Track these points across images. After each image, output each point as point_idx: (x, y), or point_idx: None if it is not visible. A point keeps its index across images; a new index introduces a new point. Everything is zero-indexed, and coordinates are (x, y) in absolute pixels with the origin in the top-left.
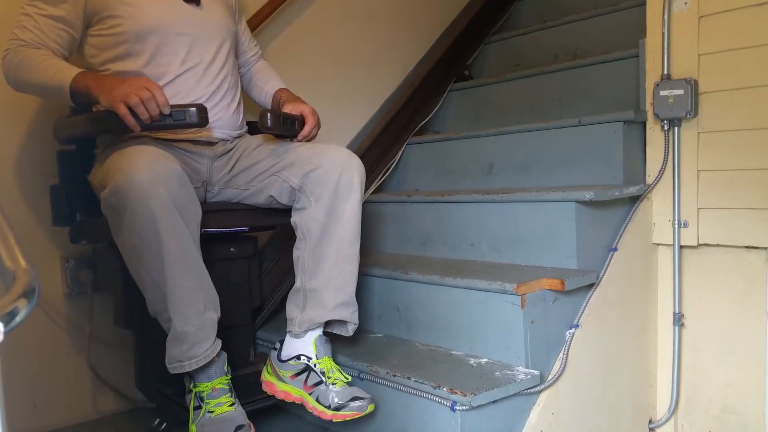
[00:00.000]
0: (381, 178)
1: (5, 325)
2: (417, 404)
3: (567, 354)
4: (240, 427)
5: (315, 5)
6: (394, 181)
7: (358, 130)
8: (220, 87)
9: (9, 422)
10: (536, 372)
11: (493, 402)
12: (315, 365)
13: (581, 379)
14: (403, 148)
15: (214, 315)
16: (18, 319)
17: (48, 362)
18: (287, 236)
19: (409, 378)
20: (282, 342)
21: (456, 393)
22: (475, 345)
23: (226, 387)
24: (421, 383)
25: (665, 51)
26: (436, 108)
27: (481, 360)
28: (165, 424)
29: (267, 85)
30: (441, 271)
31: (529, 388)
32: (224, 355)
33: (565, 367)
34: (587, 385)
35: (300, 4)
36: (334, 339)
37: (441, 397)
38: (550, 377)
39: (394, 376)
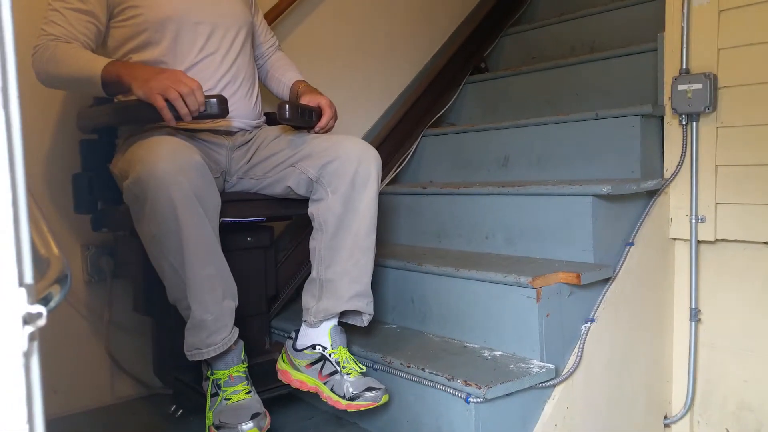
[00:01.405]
0: (396, 169)
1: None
2: (431, 396)
3: (582, 348)
4: (256, 414)
5: None
6: (409, 172)
7: (374, 121)
8: (237, 75)
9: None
10: (551, 366)
11: (508, 395)
12: (330, 355)
13: (596, 373)
14: (418, 140)
15: (231, 303)
16: (52, 304)
17: (68, 348)
18: (303, 226)
19: (423, 369)
20: (297, 331)
21: (470, 385)
22: (490, 338)
23: (243, 375)
24: (436, 375)
25: (684, 45)
26: (452, 100)
27: (495, 353)
28: (181, 411)
29: (285, 77)
30: (455, 263)
31: (543, 382)
32: (241, 343)
33: (580, 361)
34: (602, 380)
35: None
36: (349, 329)
37: (455, 389)
38: (565, 371)
39: (409, 367)
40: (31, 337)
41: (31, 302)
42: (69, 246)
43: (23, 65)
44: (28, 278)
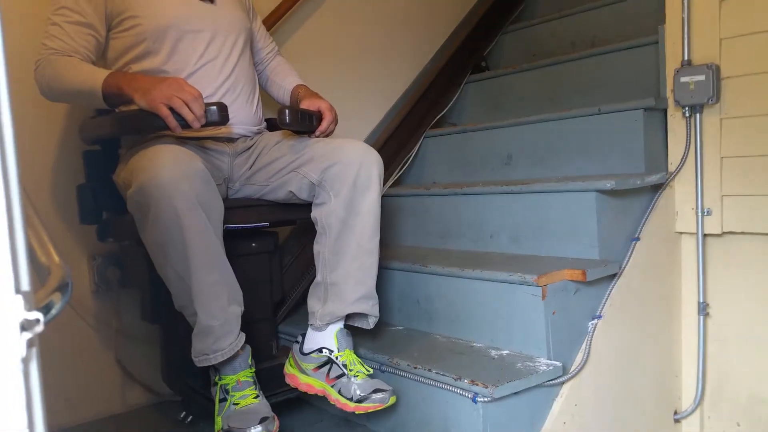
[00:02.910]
0: (399, 171)
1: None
2: (439, 396)
3: (590, 345)
4: (264, 418)
5: (330, 1)
6: (412, 174)
7: (376, 123)
8: (237, 82)
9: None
10: (558, 363)
11: (515, 394)
12: (337, 358)
13: (604, 370)
14: (420, 141)
15: (237, 309)
16: (54, 311)
17: (77, 358)
18: (308, 230)
19: (430, 370)
20: (304, 335)
21: (477, 385)
22: (496, 337)
23: (251, 379)
24: (443, 375)
25: (685, 36)
26: (453, 100)
27: (502, 352)
28: (191, 417)
29: (285, 82)
30: (460, 263)
31: (551, 380)
32: (248, 348)
33: (587, 358)
34: (610, 377)
35: (315, 1)
36: (355, 332)
37: (462, 389)
38: (572, 369)
39: (415, 368)
40: (30, 344)
41: (29, 309)
42: (76, 256)
43: (27, 79)
44: (25, 285)
